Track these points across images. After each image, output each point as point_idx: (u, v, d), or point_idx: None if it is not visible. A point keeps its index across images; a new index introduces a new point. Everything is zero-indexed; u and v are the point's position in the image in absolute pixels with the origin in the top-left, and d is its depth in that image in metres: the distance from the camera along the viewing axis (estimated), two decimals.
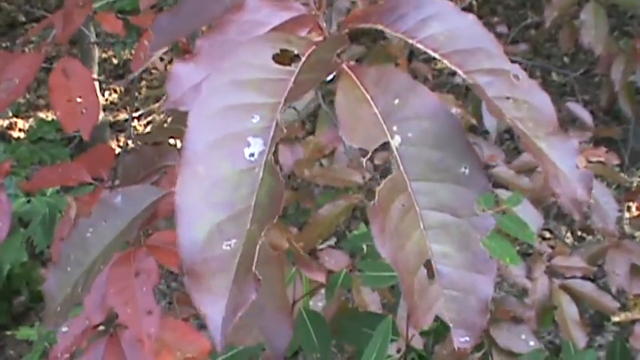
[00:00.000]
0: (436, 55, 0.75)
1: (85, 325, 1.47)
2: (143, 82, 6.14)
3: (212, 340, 0.63)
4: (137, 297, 1.42)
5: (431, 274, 0.71)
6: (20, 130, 6.12)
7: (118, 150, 5.70)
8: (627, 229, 3.60)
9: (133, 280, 1.43)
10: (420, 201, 0.72)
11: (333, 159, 2.42)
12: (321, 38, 0.81)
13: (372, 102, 0.73)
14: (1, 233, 1.64)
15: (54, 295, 1.05)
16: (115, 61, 6.71)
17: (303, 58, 0.73)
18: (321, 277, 1.18)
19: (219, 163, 0.66)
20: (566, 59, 4.87)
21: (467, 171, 0.72)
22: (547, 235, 3.84)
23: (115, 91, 6.44)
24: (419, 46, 0.76)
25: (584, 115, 2.55)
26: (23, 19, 7.08)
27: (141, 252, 1.48)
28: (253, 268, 0.62)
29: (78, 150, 5.30)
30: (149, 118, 6.01)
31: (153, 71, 5.95)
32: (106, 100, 6.25)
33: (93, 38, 4.50)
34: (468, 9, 0.89)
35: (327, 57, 0.72)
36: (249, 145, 0.67)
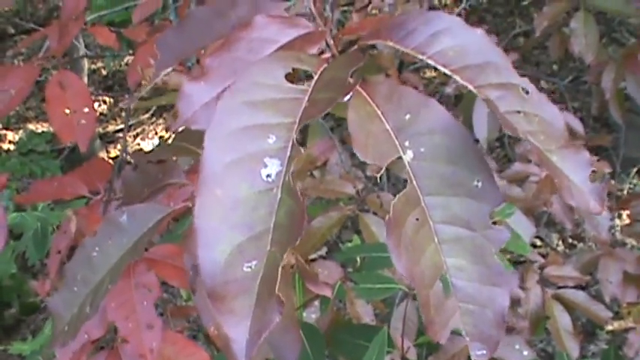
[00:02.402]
0: (446, 71, 0.76)
1: (84, 340, 1.47)
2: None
3: None
4: (138, 311, 1.42)
5: (447, 288, 0.72)
6: (10, 142, 6.11)
7: (109, 160, 5.70)
8: (619, 236, 3.62)
9: (133, 293, 1.43)
10: (433, 215, 0.72)
11: (325, 170, 2.42)
12: (329, 55, 0.82)
13: (383, 118, 0.74)
14: None
15: (61, 315, 1.04)
16: (104, 73, 6.71)
17: (316, 77, 0.74)
18: (327, 292, 1.18)
19: (237, 184, 0.66)
20: (555, 67, 4.90)
21: (480, 184, 0.72)
22: (538, 242, 3.86)
23: (105, 103, 6.44)
24: (429, 61, 0.76)
25: (575, 123, 2.57)
26: (12, 31, 7.06)
27: (140, 266, 1.49)
28: (276, 289, 0.63)
29: (68, 162, 5.30)
30: (139, 130, 6.01)
31: (142, 83, 5.94)
32: (96, 111, 6.24)
33: (82, 50, 4.49)
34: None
35: (341, 76, 0.72)
36: (265, 165, 0.67)
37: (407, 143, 0.73)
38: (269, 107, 0.70)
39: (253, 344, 0.63)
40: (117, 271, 1.01)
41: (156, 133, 5.95)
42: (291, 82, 0.72)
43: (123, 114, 6.23)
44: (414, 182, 0.72)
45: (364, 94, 0.75)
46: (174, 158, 1.17)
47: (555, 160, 0.73)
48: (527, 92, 0.75)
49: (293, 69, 0.74)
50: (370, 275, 1.91)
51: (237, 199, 0.66)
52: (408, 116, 0.74)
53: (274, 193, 0.66)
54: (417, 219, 0.72)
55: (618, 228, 3.54)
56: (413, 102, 0.75)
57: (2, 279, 4.30)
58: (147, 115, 6.11)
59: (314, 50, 0.81)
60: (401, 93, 0.75)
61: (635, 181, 3.97)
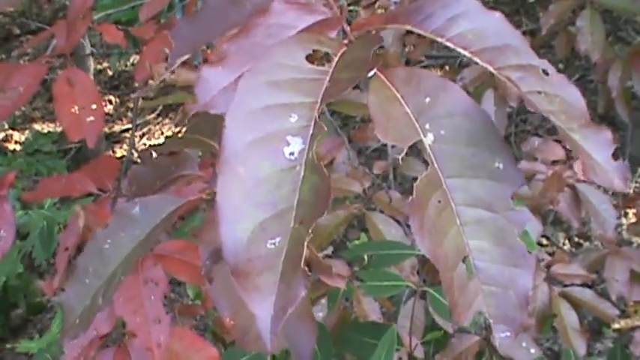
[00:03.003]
0: (466, 53, 0.75)
1: (92, 335, 1.48)
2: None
3: (262, 339, 0.62)
4: (146, 306, 1.42)
5: (470, 270, 0.72)
6: (16, 142, 6.12)
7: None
8: (625, 235, 3.61)
9: (142, 288, 1.44)
10: (455, 197, 0.72)
11: (332, 168, 2.42)
12: (346, 41, 0.82)
13: (403, 101, 0.74)
14: (6, 244, 1.64)
15: (73, 308, 1.04)
16: (111, 73, 6.72)
17: (336, 58, 0.74)
18: (341, 284, 1.19)
19: (260, 162, 0.67)
20: (561, 65, 4.89)
21: (501, 166, 0.72)
22: (544, 241, 3.85)
23: (111, 103, 6.45)
24: (448, 44, 0.76)
25: None
26: (18, 31, 7.08)
27: (148, 261, 1.49)
28: (302, 264, 0.62)
29: (74, 162, 5.31)
30: (145, 130, 6.02)
31: (155, 80, 5.95)
32: (104, 108, 6.25)
33: (88, 49, 4.50)
34: None
35: (363, 56, 0.73)
36: (288, 144, 0.67)
37: (427, 126, 0.73)
38: (290, 87, 0.70)
39: (279, 320, 0.63)
40: (129, 263, 1.01)
41: (162, 133, 5.96)
42: (311, 63, 0.73)
43: (129, 114, 6.25)
44: (435, 165, 0.72)
45: (383, 77, 0.75)
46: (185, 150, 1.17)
47: (578, 139, 0.73)
48: (546, 73, 0.75)
49: (313, 51, 0.74)
50: (377, 273, 1.92)
51: (260, 178, 0.66)
52: (427, 99, 0.74)
53: (297, 170, 0.66)
54: (439, 201, 0.72)
55: (625, 227, 3.54)
56: (432, 85, 0.75)
57: (9, 279, 4.30)
58: (153, 115, 6.12)
59: (332, 35, 0.82)
60: (420, 76, 0.75)
61: None
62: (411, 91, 0.74)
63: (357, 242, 2.52)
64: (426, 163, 0.73)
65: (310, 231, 0.63)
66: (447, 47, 0.78)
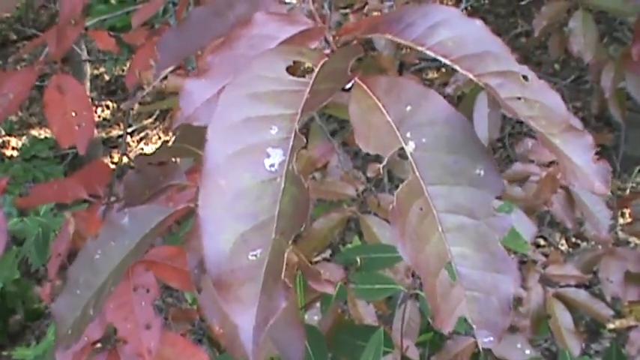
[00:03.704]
0: (447, 61, 0.76)
1: (84, 342, 1.48)
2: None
3: (245, 351, 0.63)
4: (136, 312, 1.43)
5: (452, 276, 0.72)
6: (13, 148, 6.13)
7: (111, 166, 5.71)
8: (621, 234, 3.61)
9: (132, 295, 1.44)
10: (437, 204, 0.73)
11: (326, 172, 2.43)
12: (328, 51, 0.83)
13: (384, 110, 0.74)
14: None
15: (64, 318, 1.04)
16: (107, 78, 6.72)
17: (317, 69, 0.74)
18: (329, 289, 1.19)
19: (241, 174, 0.67)
20: (556, 66, 4.90)
21: (482, 173, 0.73)
22: (541, 242, 3.86)
23: (108, 108, 6.45)
24: (428, 52, 0.77)
25: (576, 122, 2.56)
26: (15, 37, 7.08)
27: (139, 267, 1.49)
28: (282, 276, 0.63)
29: (71, 167, 5.31)
30: (142, 134, 6.02)
31: (145, 87, 5.95)
32: (99, 116, 6.26)
33: (84, 55, 4.50)
34: None
35: (342, 67, 0.73)
36: (269, 155, 0.68)
37: (408, 134, 0.73)
38: (271, 99, 0.71)
39: (260, 331, 0.64)
40: (119, 273, 1.01)
41: (159, 138, 5.97)
42: (293, 75, 0.73)
43: (125, 117, 6.25)
44: (417, 172, 0.73)
45: (364, 87, 0.76)
46: (174, 159, 1.17)
47: (558, 144, 0.74)
48: (526, 79, 0.76)
49: (294, 62, 0.74)
50: (370, 276, 1.92)
51: (241, 189, 0.67)
52: (408, 108, 0.74)
53: (278, 182, 0.67)
54: (421, 208, 0.72)
55: (620, 227, 3.54)
56: (413, 94, 0.75)
57: (6, 285, 4.31)
58: (150, 120, 6.13)
59: (314, 46, 0.82)
60: (401, 85, 0.76)
61: (637, 179, 3.97)
62: (392, 100, 0.75)
63: (350, 246, 2.52)
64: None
65: (290, 242, 0.64)
66: None
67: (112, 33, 2.11)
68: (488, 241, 0.73)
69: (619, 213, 3.49)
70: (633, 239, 3.75)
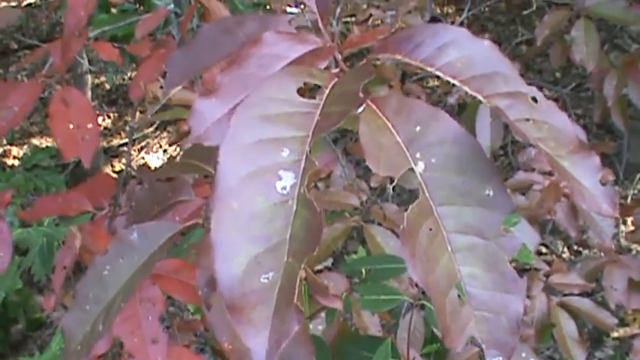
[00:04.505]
0: (456, 82, 0.77)
1: (90, 355, 1.47)
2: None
3: None
4: (143, 326, 1.43)
5: (462, 296, 0.73)
6: (15, 157, 6.12)
7: (113, 176, 5.71)
8: (624, 242, 3.62)
9: (139, 308, 1.44)
10: (446, 225, 0.73)
11: (330, 182, 2.43)
12: (337, 70, 0.83)
13: (394, 130, 0.75)
14: (3, 263, 1.65)
15: (74, 334, 1.04)
16: (108, 87, 6.73)
17: (327, 91, 0.75)
18: (337, 304, 1.19)
19: (253, 197, 0.68)
20: (558, 74, 4.90)
21: (491, 193, 0.73)
22: (544, 250, 3.85)
23: (109, 117, 6.45)
24: (438, 73, 0.78)
25: (578, 131, 2.56)
26: (15, 46, 7.08)
27: (146, 280, 1.49)
28: (295, 299, 0.63)
29: (73, 177, 5.30)
30: (143, 143, 6.02)
31: (145, 99, 5.95)
32: (100, 125, 6.25)
33: (86, 64, 4.51)
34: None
35: (353, 89, 0.74)
36: (280, 178, 0.68)
37: (418, 155, 0.74)
38: (282, 121, 0.71)
39: (273, 354, 0.64)
40: (128, 290, 1.01)
41: (160, 147, 5.97)
42: (302, 96, 0.74)
43: (127, 128, 6.25)
44: (427, 193, 0.73)
45: (374, 107, 0.76)
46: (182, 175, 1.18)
47: (566, 166, 0.74)
48: (535, 100, 0.76)
49: (304, 83, 0.75)
50: (375, 287, 1.92)
51: (253, 212, 0.67)
52: (418, 128, 0.75)
53: (290, 205, 0.67)
54: (431, 229, 0.73)
55: (623, 234, 3.54)
56: (422, 114, 0.76)
57: (8, 295, 4.30)
58: (151, 129, 6.13)
59: (323, 65, 0.82)
60: (410, 106, 0.77)
61: (639, 186, 3.97)
62: (402, 120, 0.75)
63: (355, 256, 2.52)
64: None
65: (302, 265, 0.64)
66: None
67: (115, 44, 2.11)
68: (497, 261, 0.73)
69: (621, 221, 3.50)
70: (635, 246, 3.76)
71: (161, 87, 1.73)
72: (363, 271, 2.09)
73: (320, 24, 0.89)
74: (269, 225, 0.67)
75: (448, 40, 0.79)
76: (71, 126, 1.71)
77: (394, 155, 0.74)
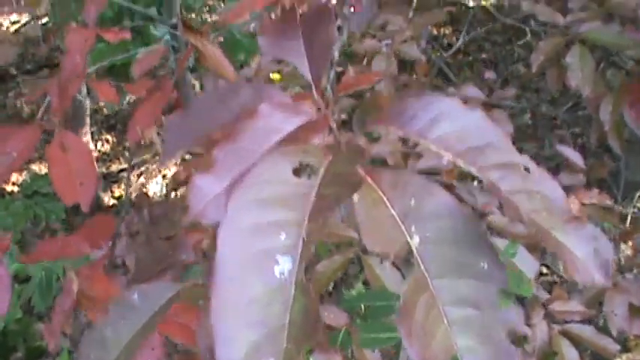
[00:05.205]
0: (449, 156, 0.78)
1: None
2: None
3: None
4: None
5: None
6: (14, 184, 6.11)
7: (112, 201, 5.69)
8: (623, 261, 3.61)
9: (138, 355, 1.43)
10: (442, 297, 0.74)
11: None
12: (332, 139, 0.84)
13: (389, 204, 0.76)
14: (2, 308, 1.65)
15: None
16: (106, 112, 6.73)
17: (322, 171, 0.76)
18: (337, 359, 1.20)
19: (252, 282, 0.68)
20: (555, 93, 4.91)
21: (486, 265, 0.74)
22: (544, 270, 3.85)
23: (107, 142, 6.45)
24: (431, 146, 0.79)
25: (575, 156, 2.58)
26: (14, 72, 7.09)
27: None
28: None
29: (73, 205, 5.28)
30: (142, 168, 6.02)
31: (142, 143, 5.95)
32: (98, 151, 6.26)
33: (83, 92, 4.52)
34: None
35: (347, 170, 0.75)
36: (278, 262, 0.69)
37: (413, 228, 0.75)
38: (278, 203, 0.72)
39: None
40: (130, 350, 1.02)
41: (159, 171, 5.96)
42: (299, 172, 0.75)
43: (126, 153, 6.25)
44: (422, 266, 0.74)
45: (370, 180, 0.77)
46: (182, 232, 1.19)
47: (559, 236, 0.75)
48: (527, 170, 0.77)
49: (299, 162, 0.76)
50: (375, 325, 1.91)
51: (252, 297, 0.68)
52: (413, 202, 0.76)
53: (288, 289, 0.68)
54: (427, 303, 0.74)
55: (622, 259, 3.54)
56: (417, 187, 0.77)
57: (8, 323, 4.29)
58: (150, 155, 6.13)
59: (319, 138, 0.83)
60: (406, 179, 0.78)
61: (638, 204, 3.96)
62: (398, 194, 0.76)
63: (353, 292, 2.52)
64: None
65: (302, 352, 0.65)
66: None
67: (112, 79, 2.12)
68: (493, 333, 0.74)
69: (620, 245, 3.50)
70: (635, 271, 3.75)
71: (158, 133, 1.74)
72: (363, 307, 2.09)
73: (314, 91, 0.89)
74: (267, 310, 0.67)
75: (440, 112, 0.80)
76: (69, 171, 1.71)
77: (390, 229, 0.75)
